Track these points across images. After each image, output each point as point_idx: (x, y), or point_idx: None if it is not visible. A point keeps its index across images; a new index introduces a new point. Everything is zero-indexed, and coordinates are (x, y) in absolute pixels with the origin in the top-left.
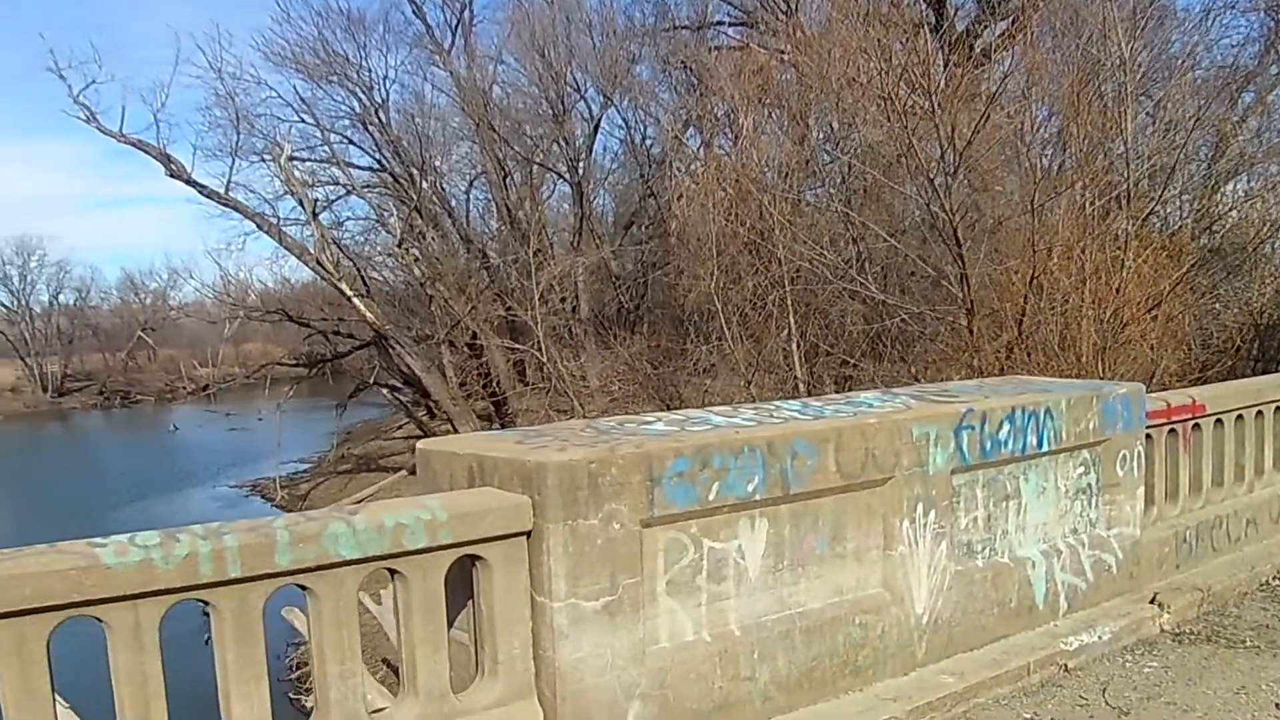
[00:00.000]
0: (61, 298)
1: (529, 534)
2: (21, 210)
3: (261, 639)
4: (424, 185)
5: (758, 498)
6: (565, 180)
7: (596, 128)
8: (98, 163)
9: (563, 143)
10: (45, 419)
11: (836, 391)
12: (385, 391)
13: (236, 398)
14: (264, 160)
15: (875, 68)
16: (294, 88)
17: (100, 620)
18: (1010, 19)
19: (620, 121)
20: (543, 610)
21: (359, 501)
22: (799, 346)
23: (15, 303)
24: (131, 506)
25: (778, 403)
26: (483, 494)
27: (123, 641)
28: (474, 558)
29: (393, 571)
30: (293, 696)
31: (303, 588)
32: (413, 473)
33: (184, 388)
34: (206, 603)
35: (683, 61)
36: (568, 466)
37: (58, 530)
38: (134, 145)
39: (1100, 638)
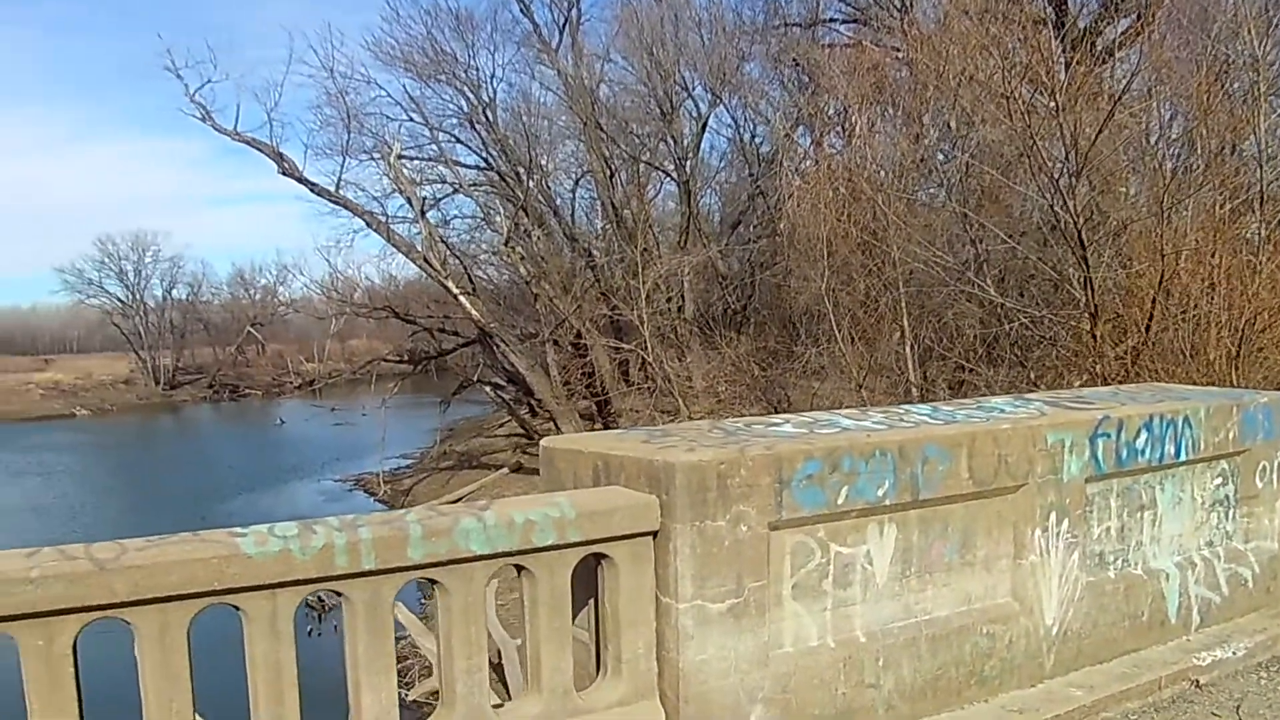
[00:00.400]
0: (174, 293)
1: (655, 534)
2: (138, 207)
3: (392, 631)
4: (530, 184)
5: (887, 502)
6: (672, 179)
7: (704, 126)
8: (211, 160)
9: (670, 141)
10: (157, 411)
11: (951, 396)
12: (488, 389)
13: (341, 393)
14: (373, 158)
15: (994, 65)
16: (403, 86)
17: (238, 608)
18: (1134, 15)
19: (729, 120)
20: (668, 611)
21: (459, 499)
22: (913, 350)
23: (130, 297)
24: (240, 498)
25: (906, 407)
26: (611, 493)
27: (259, 630)
28: (599, 556)
29: (520, 568)
30: None
31: (432, 581)
32: (515, 470)
33: (290, 382)
34: (340, 594)
35: (794, 59)
36: (697, 467)
37: (170, 520)
38: (247, 143)
39: (1234, 653)
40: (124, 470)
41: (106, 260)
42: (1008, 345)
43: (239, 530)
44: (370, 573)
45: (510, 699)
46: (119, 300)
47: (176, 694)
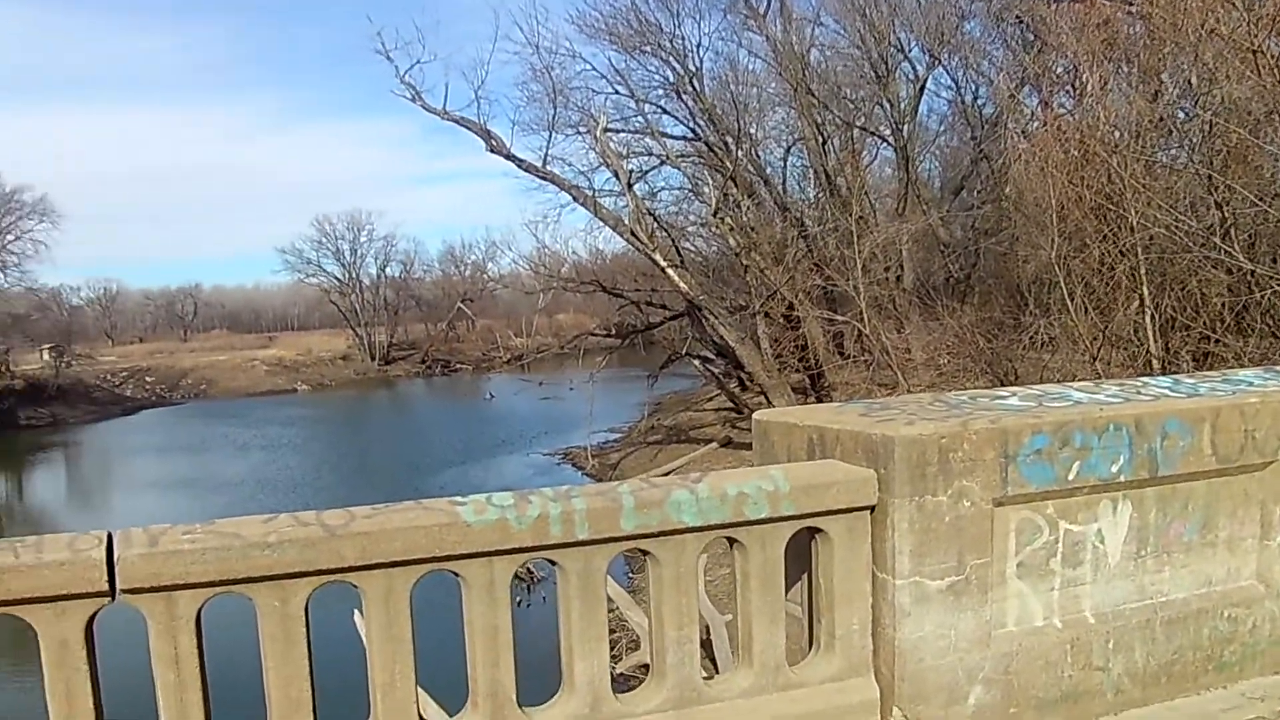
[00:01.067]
0: (388, 270)
1: (873, 508)
2: (353, 187)
3: (604, 600)
4: (739, 153)
5: (1122, 479)
6: (888, 144)
7: (922, 89)
8: (421, 140)
9: (885, 105)
10: (373, 386)
11: (1195, 368)
12: (697, 363)
13: (549, 367)
14: (579, 133)
15: (1238, 18)
16: (608, 59)
17: (457, 575)
18: None
19: (948, 81)
20: (884, 587)
21: (668, 473)
22: (1153, 320)
23: (346, 276)
24: (451, 471)
25: (1144, 379)
26: (827, 466)
27: (477, 596)
28: (814, 530)
29: (732, 541)
30: None
31: (644, 553)
32: (724, 445)
33: (499, 357)
34: (554, 562)
35: (1017, 16)
36: (917, 440)
37: (384, 493)
38: (456, 122)
39: None
40: (342, 443)
41: (324, 240)
42: (1259, 315)
43: (459, 499)
44: (583, 542)
45: (719, 674)
46: (336, 278)
47: (399, 655)
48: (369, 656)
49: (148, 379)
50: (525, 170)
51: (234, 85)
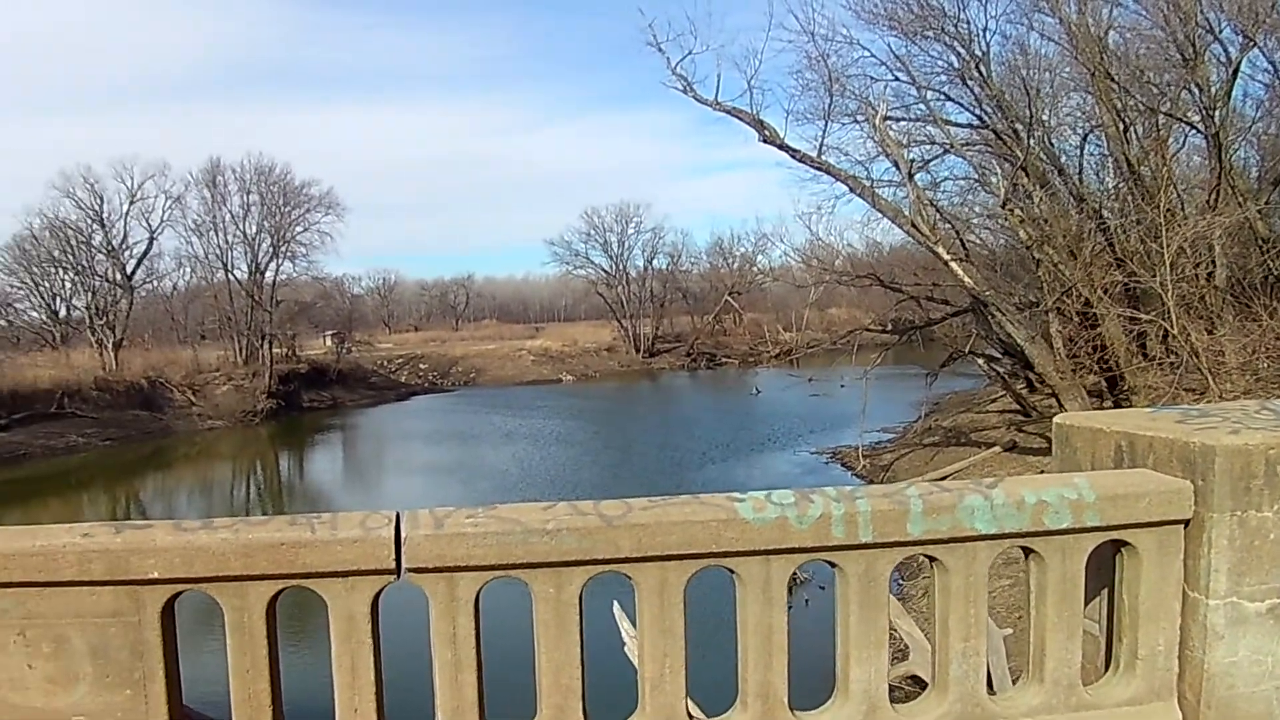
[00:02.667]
0: (655, 262)
1: (1187, 522)
2: (621, 179)
3: (885, 606)
4: (1030, 141)
5: None
6: (1197, 131)
7: (1235, 71)
8: (690, 131)
9: (1194, 89)
10: (637, 378)
11: None
12: (980, 362)
13: (819, 363)
14: (856, 121)
15: None
16: (887, 45)
17: (733, 572)
18: None
19: (1265, 64)
20: (1195, 607)
21: (944, 477)
22: None
23: (614, 267)
24: (714, 466)
25: None
26: (1136, 475)
27: (753, 595)
28: (1119, 543)
29: (1027, 551)
30: None
31: (930, 559)
32: (1008, 449)
33: (767, 351)
34: (833, 564)
35: None
36: (1241, 451)
37: (645, 487)
38: (728, 113)
39: None
40: (605, 435)
41: (593, 232)
42: None
43: (737, 495)
44: (866, 545)
45: (999, 690)
46: (603, 270)
47: (670, 649)
48: (639, 650)
49: (421, 366)
50: (799, 160)
51: (510, 79)
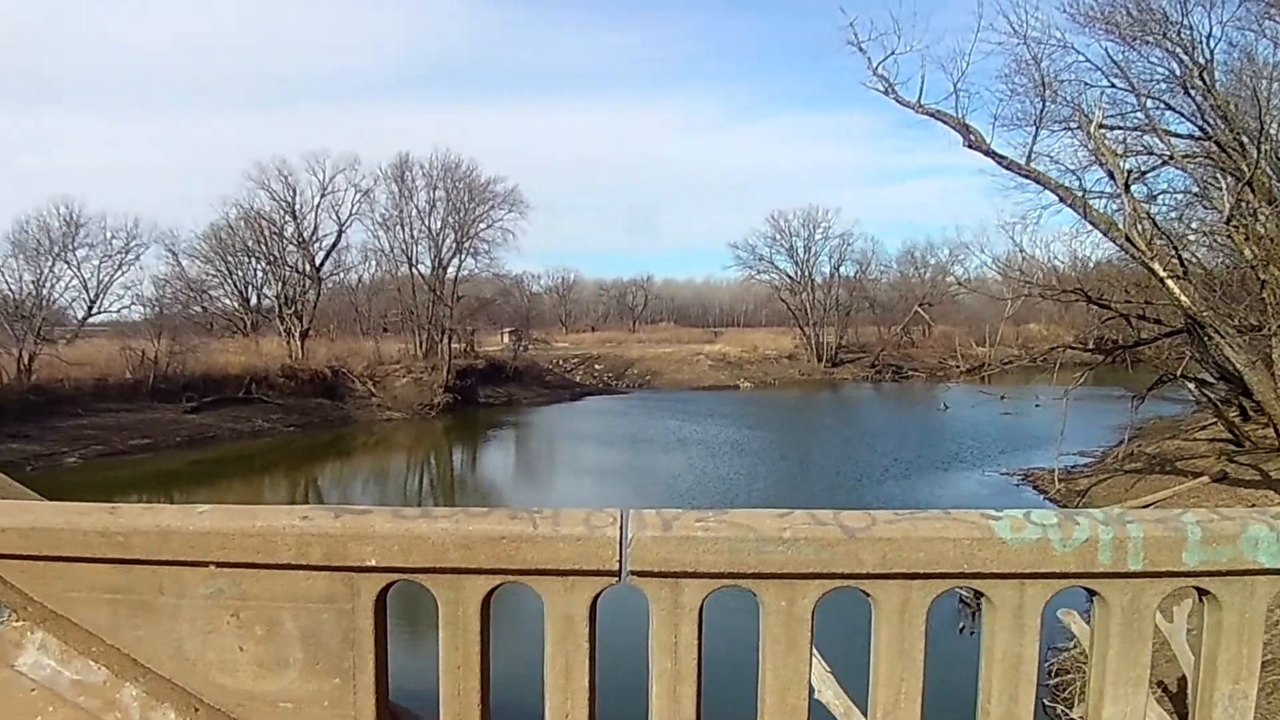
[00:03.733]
0: (842, 270)
1: None
2: (809, 183)
3: (1149, 641)
4: (1258, 155)
5: None
6: None
7: None
8: (883, 135)
9: None
10: (818, 387)
11: None
12: (1191, 386)
13: (1012, 380)
14: (1068, 129)
15: None
16: (1104, 50)
17: (981, 595)
18: None
19: None
20: None
21: (1147, 505)
22: None
23: (798, 273)
24: (895, 483)
25: None
26: None
27: (1002, 621)
28: None
29: None
30: (1048, 704)
31: (1202, 592)
32: (1217, 480)
33: (957, 366)
34: (1094, 593)
35: None
36: None
37: (827, 498)
38: (932, 116)
39: None
40: (782, 445)
41: (778, 236)
42: None
43: (992, 512)
44: (1135, 574)
45: None
46: (788, 276)
47: (908, 674)
48: (873, 671)
49: (596, 366)
50: (1006, 168)
51: (694, 80)
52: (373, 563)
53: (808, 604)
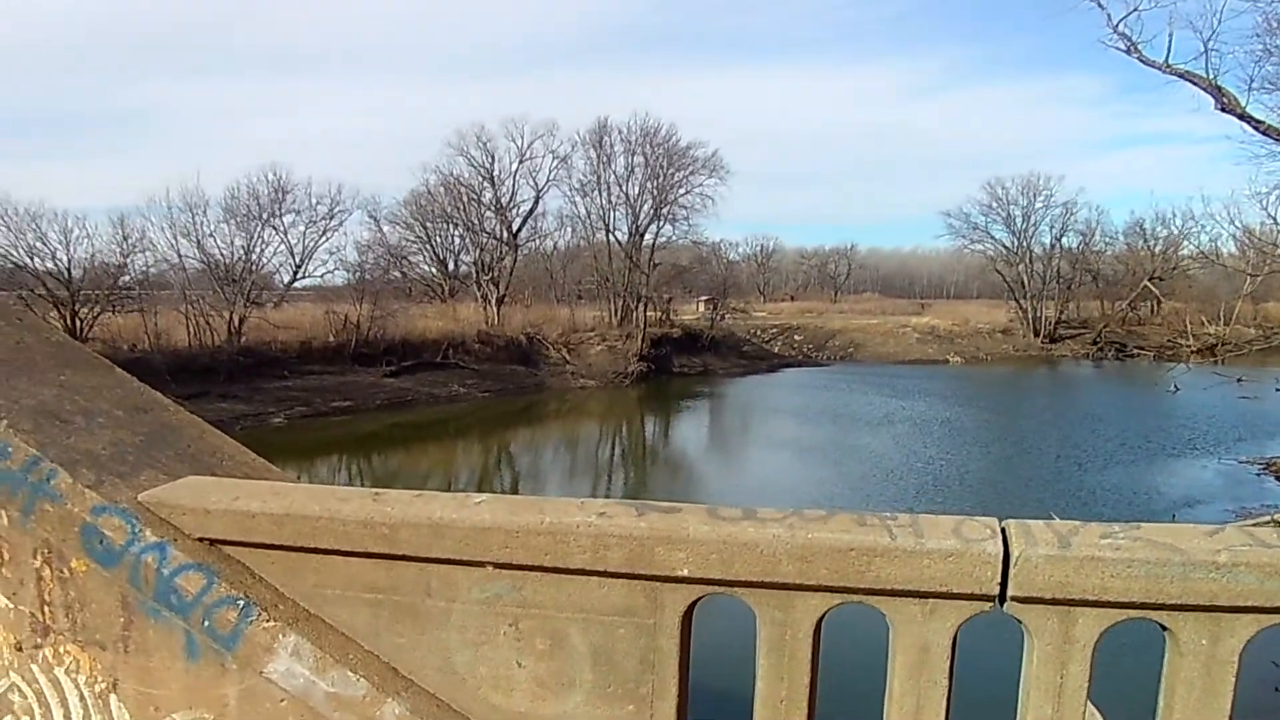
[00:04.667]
0: (1064, 241)
1: None
2: (1028, 149)
3: None
4: None
5: None
6: None
7: None
8: (1110, 99)
9: None
10: (1033, 364)
11: None
12: None
13: (1249, 362)
14: None
15: None
16: None
17: None
18: None
19: None
20: None
21: None
22: None
23: (1015, 244)
24: (1123, 468)
25: None
26: None
27: None
28: None
29: None
30: None
31: None
32: None
33: (1187, 345)
34: None
35: None
36: None
37: (1045, 485)
38: (1181, 77)
39: None
40: (996, 425)
41: (994, 205)
42: None
43: None
44: None
45: None
46: (1004, 247)
47: (1216, 713)
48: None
49: (796, 337)
50: (1263, 133)
51: (908, 42)
52: (684, 572)
53: (1236, 643)
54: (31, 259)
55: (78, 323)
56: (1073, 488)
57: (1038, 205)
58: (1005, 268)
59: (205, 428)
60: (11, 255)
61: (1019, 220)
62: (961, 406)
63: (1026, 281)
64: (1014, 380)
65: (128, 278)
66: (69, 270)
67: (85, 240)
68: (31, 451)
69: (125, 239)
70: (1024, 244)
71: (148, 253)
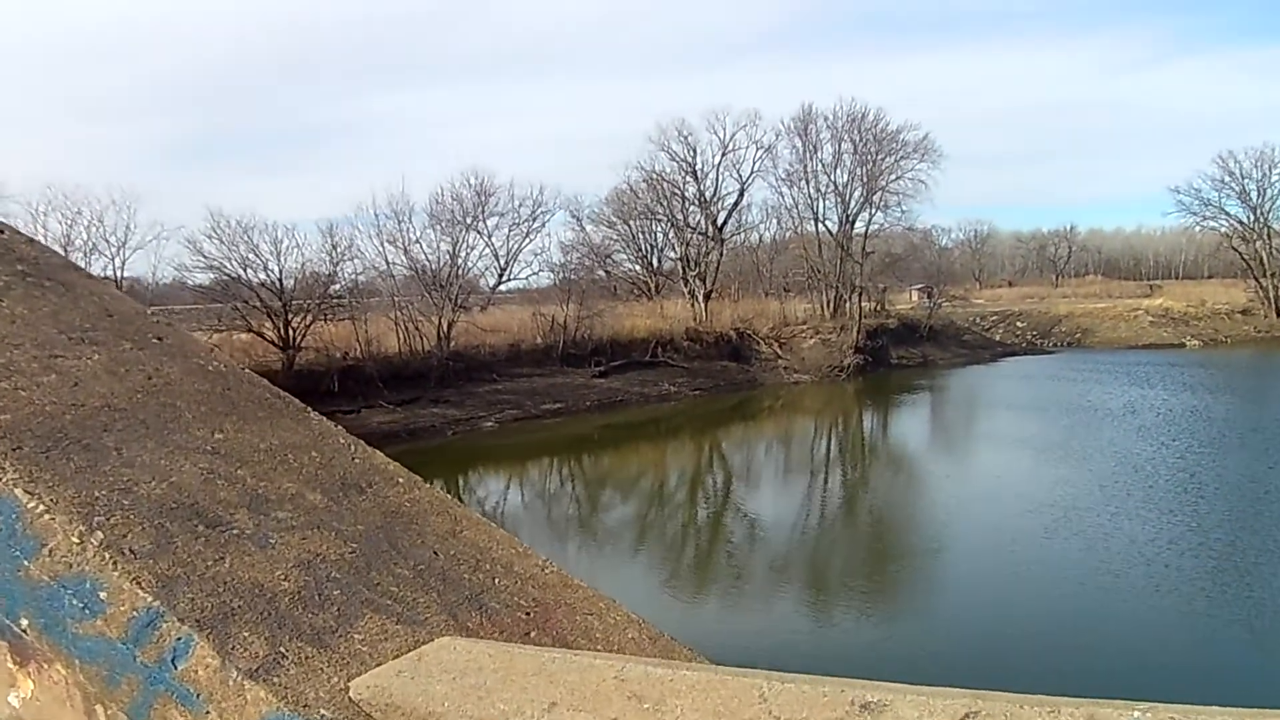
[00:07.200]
0: None
1: None
2: (1261, 120)
3: None
4: None
5: None
6: None
7: None
8: None
9: None
10: (1276, 345)
11: None
12: None
13: None
14: None
15: None
16: None
17: None
18: None
19: None
20: None
21: None
22: None
23: (1251, 219)
24: None
25: None
26: None
27: None
28: None
29: None
30: None
31: None
32: None
33: None
34: None
35: None
36: None
37: None
38: None
39: None
40: (1247, 413)
41: (1226, 179)
42: None
43: None
44: None
45: None
46: (1239, 223)
47: None
48: None
49: (1018, 324)
50: None
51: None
52: None
53: None
54: (245, 270)
55: (290, 332)
56: None
57: (1274, 178)
58: (1242, 244)
59: (460, 512)
60: (226, 267)
61: (1254, 194)
62: (1209, 394)
63: (1266, 259)
64: (1259, 364)
65: (338, 286)
66: (280, 280)
67: (295, 250)
68: (145, 599)
69: (334, 248)
70: (1261, 219)
71: (356, 261)
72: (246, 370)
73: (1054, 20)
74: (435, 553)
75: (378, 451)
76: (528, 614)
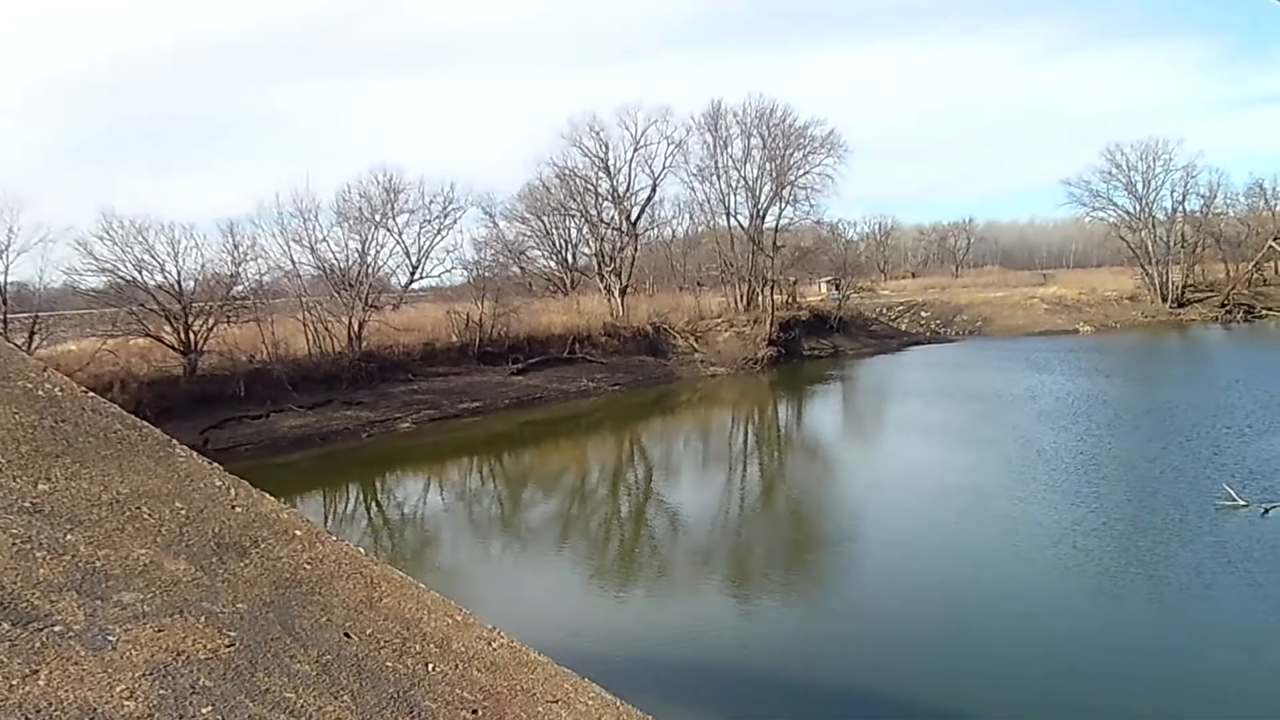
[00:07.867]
0: (1186, 205)
1: None
2: (1145, 114)
3: None
4: None
5: None
6: None
7: None
8: (1225, 62)
9: None
10: (1163, 329)
11: None
12: None
13: None
14: None
15: None
16: None
17: None
18: None
19: None
20: None
21: None
22: None
23: (1138, 209)
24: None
25: None
26: None
27: None
28: None
29: None
30: None
31: None
32: None
33: None
34: None
35: None
36: None
37: (1202, 456)
38: None
39: None
40: (1140, 394)
41: (1114, 171)
42: None
43: None
44: None
45: None
46: (1125, 213)
47: None
48: None
49: (923, 314)
50: None
51: (1016, 12)
52: None
53: None
54: (140, 272)
55: (192, 335)
56: (1242, 459)
57: (1158, 170)
58: (1129, 234)
59: (377, 573)
60: (120, 270)
61: (1140, 186)
62: (1104, 377)
63: (1151, 247)
64: (1149, 347)
65: (241, 287)
66: (179, 282)
67: (194, 251)
68: None
69: (236, 247)
70: (1146, 209)
71: (260, 260)
72: (90, 395)
73: (952, 20)
74: (346, 634)
75: (266, 496)
76: (474, 711)
